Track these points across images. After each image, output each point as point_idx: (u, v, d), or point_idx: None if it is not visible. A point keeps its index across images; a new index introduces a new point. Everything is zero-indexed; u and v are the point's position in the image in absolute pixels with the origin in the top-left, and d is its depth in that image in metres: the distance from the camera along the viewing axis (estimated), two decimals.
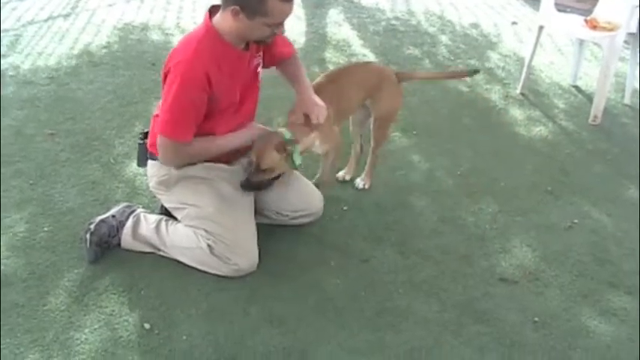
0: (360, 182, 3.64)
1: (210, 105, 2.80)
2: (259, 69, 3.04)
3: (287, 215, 3.23)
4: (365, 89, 3.36)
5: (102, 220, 2.98)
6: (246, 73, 2.93)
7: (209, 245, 2.88)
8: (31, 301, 2.74)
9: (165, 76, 2.77)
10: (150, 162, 3.04)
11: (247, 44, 2.88)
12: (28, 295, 2.77)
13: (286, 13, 2.71)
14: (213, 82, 2.73)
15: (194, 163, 2.96)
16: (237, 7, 2.64)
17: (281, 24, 2.74)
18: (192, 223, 2.95)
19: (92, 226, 2.95)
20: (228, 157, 3.04)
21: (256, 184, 2.96)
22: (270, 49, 3.06)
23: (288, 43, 3.20)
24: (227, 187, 3.00)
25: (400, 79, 3.51)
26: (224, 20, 2.73)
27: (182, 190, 2.98)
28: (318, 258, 3.12)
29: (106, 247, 2.99)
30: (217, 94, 2.78)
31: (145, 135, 3.06)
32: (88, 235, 2.93)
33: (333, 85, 3.27)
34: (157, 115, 2.95)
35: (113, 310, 2.72)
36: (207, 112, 2.81)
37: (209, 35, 2.76)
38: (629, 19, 4.55)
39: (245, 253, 2.92)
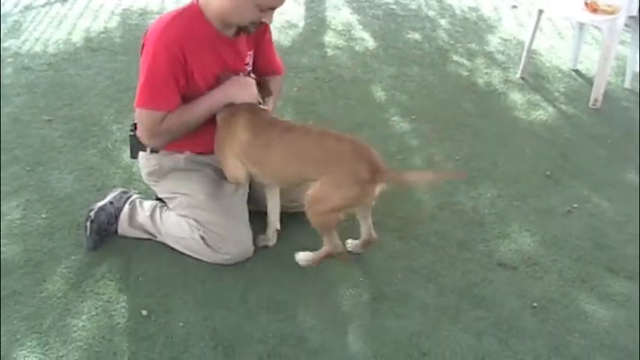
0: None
1: (190, 88, 2.77)
2: (249, 67, 2.98)
3: (283, 205, 3.20)
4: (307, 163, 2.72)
5: (101, 208, 2.97)
6: (233, 63, 2.87)
7: (202, 237, 2.87)
8: (28, 288, 2.74)
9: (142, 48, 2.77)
10: (141, 153, 3.02)
11: (237, 33, 2.83)
12: (25, 282, 2.77)
13: None
14: (189, 58, 2.68)
15: (182, 151, 2.95)
16: None
17: (272, 10, 2.65)
18: (184, 213, 2.93)
19: (92, 214, 2.93)
20: (210, 145, 2.98)
21: None
22: (265, 57, 3.05)
23: (279, 61, 3.17)
24: (217, 175, 3.00)
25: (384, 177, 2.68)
26: (212, 1, 2.70)
27: (173, 179, 2.98)
28: (317, 244, 3.10)
29: (105, 234, 2.99)
30: (194, 73, 2.75)
31: (136, 126, 3.04)
32: (88, 224, 2.92)
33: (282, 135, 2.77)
34: None
35: (110, 297, 2.72)
36: (188, 96, 2.78)
37: (188, 13, 2.72)
38: (630, 2, 4.52)
39: (237, 242, 2.90)
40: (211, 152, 2.97)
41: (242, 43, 2.88)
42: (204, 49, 2.73)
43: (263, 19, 2.68)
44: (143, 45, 2.76)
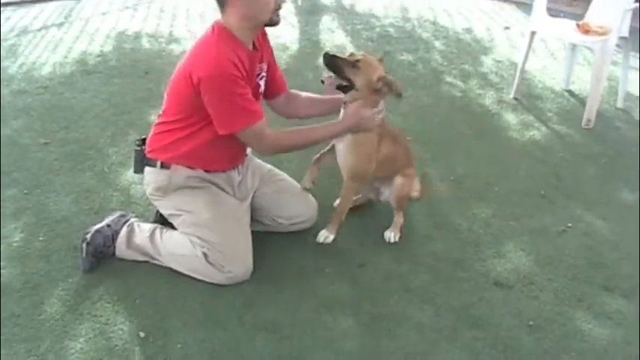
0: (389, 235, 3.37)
1: None
2: (262, 80, 3.05)
3: (282, 223, 3.24)
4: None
5: (97, 230, 2.98)
6: (253, 75, 2.94)
7: (204, 253, 2.88)
8: (26, 311, 2.74)
9: (190, 82, 2.74)
10: (147, 169, 3.03)
11: (254, 45, 2.91)
12: (23, 304, 2.77)
13: None
14: (243, 73, 2.77)
15: (194, 168, 2.97)
16: None
17: None
18: (188, 230, 2.95)
19: (88, 236, 2.94)
20: (224, 164, 3.06)
21: (335, 64, 3.00)
22: (274, 77, 3.16)
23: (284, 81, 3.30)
24: (224, 194, 3.04)
25: None
26: (230, 16, 2.78)
27: (179, 196, 2.99)
28: (313, 265, 3.12)
29: (102, 256, 2.99)
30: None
31: (143, 142, 3.06)
32: (84, 245, 2.93)
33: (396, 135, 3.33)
34: (159, 123, 2.99)
35: (108, 319, 2.72)
36: None
37: (223, 35, 2.78)
38: (621, 23, 4.57)
39: (240, 261, 2.93)
40: (221, 171, 3.05)
41: (258, 57, 2.94)
42: (245, 65, 2.80)
43: (278, 1, 2.80)
44: (190, 77, 2.73)
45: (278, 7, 2.81)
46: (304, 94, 3.36)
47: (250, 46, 2.88)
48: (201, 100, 2.75)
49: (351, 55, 3.07)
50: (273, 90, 3.20)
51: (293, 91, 3.34)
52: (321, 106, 3.30)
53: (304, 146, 3.14)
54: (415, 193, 3.51)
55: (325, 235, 3.26)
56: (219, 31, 2.79)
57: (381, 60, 3.14)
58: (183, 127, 2.90)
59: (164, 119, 2.97)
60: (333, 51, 3.07)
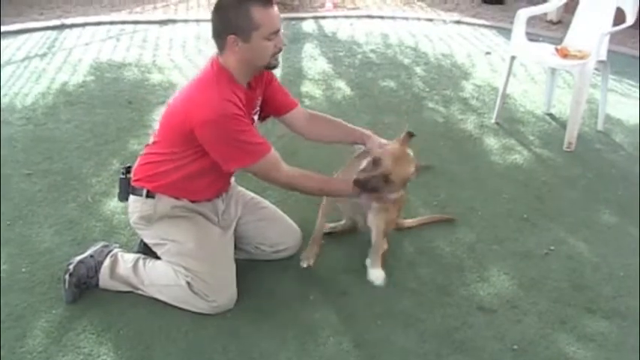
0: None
1: None
2: (256, 115, 3.07)
3: (265, 250, 3.25)
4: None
5: (80, 261, 2.97)
6: (249, 112, 2.94)
7: (188, 283, 2.88)
8: (8, 343, 2.72)
9: (189, 123, 2.73)
10: (132, 197, 3.03)
11: (249, 84, 2.91)
12: (5, 337, 2.75)
13: (275, 18, 2.74)
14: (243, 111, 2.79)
15: (179, 198, 2.97)
16: (232, 36, 2.69)
17: (277, 32, 2.76)
18: (172, 259, 2.95)
19: (71, 267, 2.94)
20: (210, 194, 3.07)
21: (372, 188, 2.93)
22: (275, 98, 3.16)
23: (291, 98, 3.29)
24: (209, 224, 3.04)
25: None
26: (228, 58, 2.79)
27: (163, 225, 2.99)
28: (297, 292, 3.12)
29: (85, 287, 2.98)
30: None
31: (127, 170, 3.06)
32: (67, 277, 2.92)
33: None
34: (149, 153, 2.99)
35: (91, 351, 2.71)
36: None
37: (222, 76, 2.78)
38: (599, 47, 4.62)
39: (224, 290, 2.93)
40: (206, 200, 3.05)
41: (255, 95, 2.97)
42: (242, 102, 2.80)
43: (277, 46, 2.80)
44: (190, 119, 2.73)
45: (277, 51, 2.83)
46: (331, 117, 3.39)
47: (246, 85, 2.89)
48: (197, 138, 2.75)
49: (377, 160, 2.94)
50: (279, 107, 3.20)
51: (319, 113, 3.40)
52: (346, 135, 3.32)
53: (314, 193, 3.14)
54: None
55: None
56: (219, 72, 2.79)
57: (410, 135, 3.13)
58: (174, 159, 2.89)
59: (155, 150, 2.96)
60: (359, 175, 2.93)
